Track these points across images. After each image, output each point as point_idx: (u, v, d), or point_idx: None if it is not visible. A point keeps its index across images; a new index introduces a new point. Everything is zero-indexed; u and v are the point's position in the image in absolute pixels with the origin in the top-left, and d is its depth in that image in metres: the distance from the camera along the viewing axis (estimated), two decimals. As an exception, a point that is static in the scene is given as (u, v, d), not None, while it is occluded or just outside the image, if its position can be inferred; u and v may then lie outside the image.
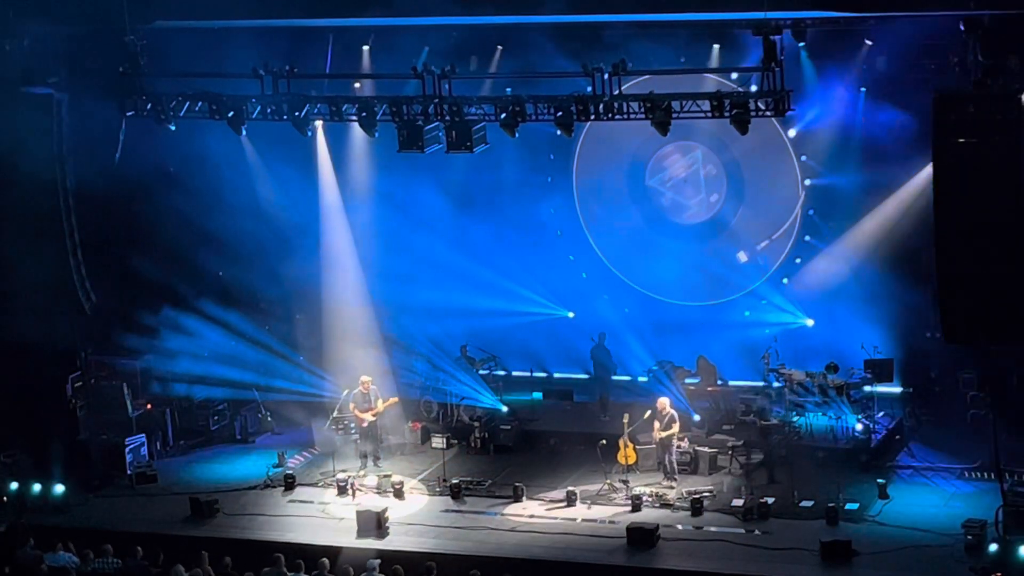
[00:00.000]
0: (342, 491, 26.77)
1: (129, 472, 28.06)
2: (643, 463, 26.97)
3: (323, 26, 28.38)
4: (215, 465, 28.94)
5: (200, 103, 25.71)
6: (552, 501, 26.03)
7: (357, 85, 28.48)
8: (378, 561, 23.10)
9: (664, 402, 26.90)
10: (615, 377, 30.13)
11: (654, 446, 26.95)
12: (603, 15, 27.10)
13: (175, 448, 29.76)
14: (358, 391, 28.07)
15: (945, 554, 23.08)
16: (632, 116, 24.26)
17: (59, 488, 27.00)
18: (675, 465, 26.62)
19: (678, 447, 26.75)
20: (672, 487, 26.24)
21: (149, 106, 25.88)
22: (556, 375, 31.71)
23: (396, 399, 28.55)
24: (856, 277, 29.05)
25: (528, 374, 31.42)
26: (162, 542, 24.60)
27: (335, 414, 28.46)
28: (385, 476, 27.13)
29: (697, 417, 28.13)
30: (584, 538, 24.63)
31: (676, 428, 26.72)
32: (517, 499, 26.14)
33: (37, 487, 27.02)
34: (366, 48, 29.10)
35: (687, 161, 30.19)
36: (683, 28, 27.50)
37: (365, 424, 27.97)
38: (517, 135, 24.85)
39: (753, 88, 24.56)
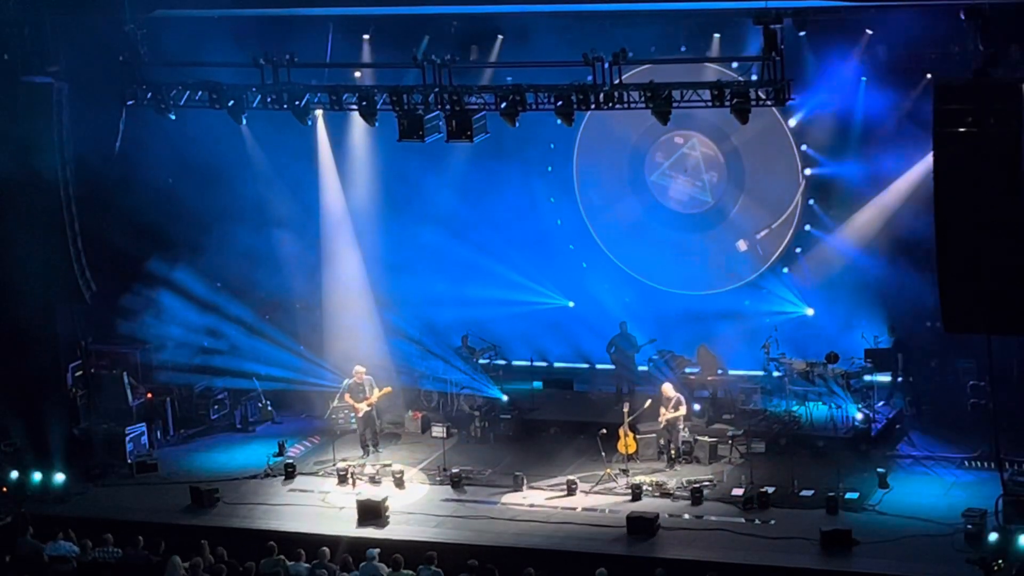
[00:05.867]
0: (342, 480, 26.79)
1: (129, 461, 28.08)
2: (643, 452, 26.99)
3: (323, 15, 28.34)
4: (215, 454, 28.95)
5: (200, 92, 25.71)
6: (552, 489, 26.06)
7: (357, 75, 28.46)
8: (378, 550, 23.13)
9: (667, 388, 27.00)
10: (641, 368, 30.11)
11: (654, 435, 26.99)
12: (605, 4, 27.09)
13: (175, 437, 29.78)
14: (353, 381, 28.11)
15: (945, 543, 23.09)
16: (632, 105, 24.25)
17: (59, 477, 27.01)
18: (680, 448, 26.65)
19: (681, 433, 26.84)
20: (676, 470, 26.29)
21: (149, 95, 25.87)
22: (556, 364, 31.72)
23: (390, 388, 28.53)
24: (856, 266, 29.06)
25: (528, 363, 31.41)
26: (162, 531, 24.61)
27: (335, 403, 28.50)
28: (385, 465, 27.16)
29: (697, 407, 28.16)
30: (584, 527, 24.66)
31: (683, 410, 26.80)
32: (517, 488, 26.16)
33: (37, 476, 27.03)
34: (366, 37, 29.09)
35: (697, 155, 30.13)
36: (684, 17, 27.58)
37: (361, 414, 28.01)
38: (517, 124, 24.84)
39: (754, 77, 24.53)
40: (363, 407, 27.99)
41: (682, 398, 27.00)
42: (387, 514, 25.31)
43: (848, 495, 24.95)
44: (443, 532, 24.72)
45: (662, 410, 26.83)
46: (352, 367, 28.47)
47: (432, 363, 29.98)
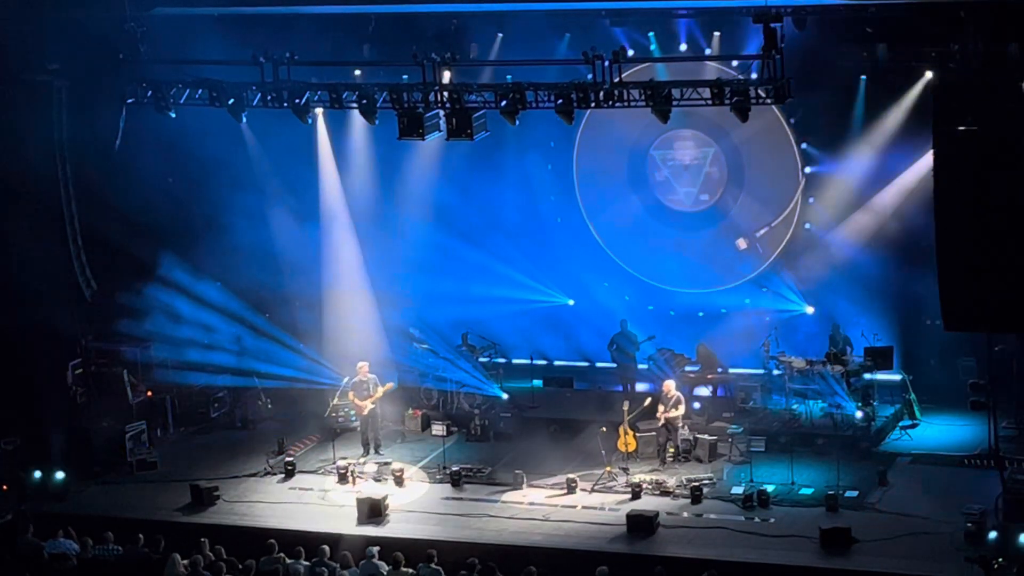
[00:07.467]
0: (342, 478, 26.79)
1: (129, 459, 28.06)
2: (643, 450, 27.00)
3: (323, 13, 28.34)
4: (215, 452, 28.94)
5: (200, 90, 25.70)
6: (552, 488, 26.07)
7: (357, 72, 28.46)
8: (378, 548, 23.13)
9: (669, 385, 27.02)
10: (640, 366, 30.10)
11: (654, 432, 26.99)
12: (606, 2, 27.12)
13: (175, 435, 29.78)
14: (357, 378, 28.09)
15: (945, 541, 23.08)
16: (633, 103, 24.25)
17: (59, 475, 27.01)
18: (680, 446, 26.66)
19: (680, 432, 26.87)
20: (675, 469, 26.31)
21: (149, 93, 25.86)
22: (556, 363, 31.72)
23: (391, 384, 28.53)
24: (856, 264, 29.06)
25: (528, 361, 31.43)
26: (162, 529, 24.62)
27: (335, 401, 28.49)
28: (385, 463, 27.16)
29: (697, 405, 28.17)
30: (584, 525, 24.67)
31: (682, 409, 26.81)
32: (517, 486, 26.16)
33: (37, 474, 27.03)
34: (366, 35, 29.07)
35: (697, 153, 30.18)
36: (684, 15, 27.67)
37: (365, 412, 28.00)
38: (517, 122, 24.84)
39: (753, 75, 24.54)
40: (367, 405, 27.96)
41: (682, 397, 27.02)
42: (387, 512, 25.32)
43: (848, 493, 24.96)
44: (443, 530, 24.72)
45: (660, 408, 26.85)
46: (352, 365, 28.46)
47: (432, 361, 29.95)
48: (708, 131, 29.84)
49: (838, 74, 27.48)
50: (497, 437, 28.65)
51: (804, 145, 29.32)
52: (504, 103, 24.55)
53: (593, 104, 24.37)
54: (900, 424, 27.86)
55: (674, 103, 24.06)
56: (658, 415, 26.88)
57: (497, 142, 27.87)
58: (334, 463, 27.31)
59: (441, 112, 24.87)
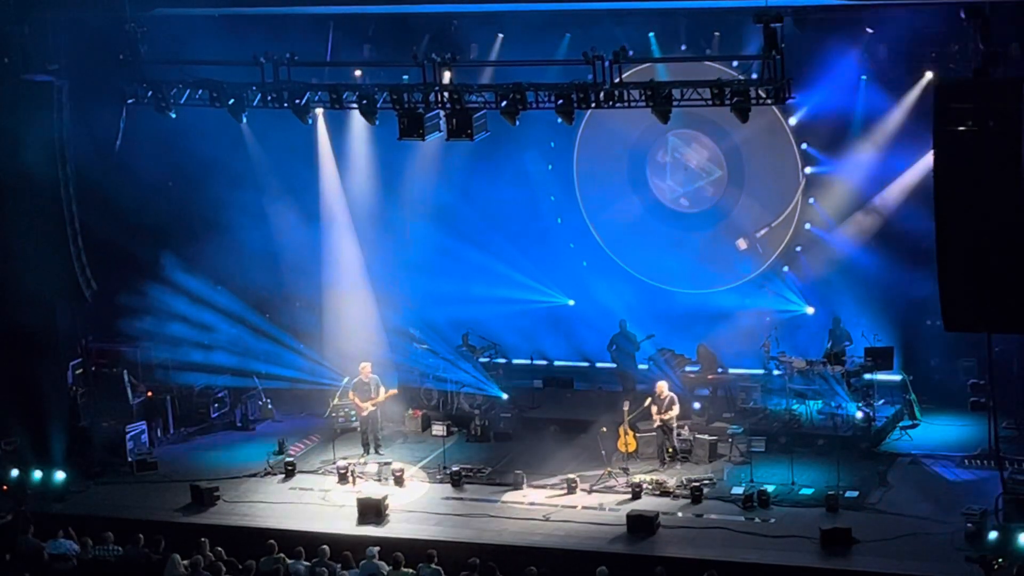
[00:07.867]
0: (342, 478, 26.79)
1: (129, 459, 28.06)
2: (643, 451, 27.00)
3: (323, 13, 28.34)
4: (215, 452, 28.95)
5: (200, 90, 25.69)
6: (552, 488, 26.06)
7: (358, 73, 28.45)
8: (378, 548, 23.14)
9: (662, 386, 26.99)
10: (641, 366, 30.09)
11: (654, 433, 26.98)
12: (607, 2, 27.11)
13: (175, 435, 29.77)
14: (358, 379, 28.08)
15: (945, 542, 23.09)
16: (633, 104, 24.24)
17: (60, 475, 27.00)
18: (677, 447, 26.65)
19: (678, 434, 26.84)
20: (675, 468, 26.29)
21: (149, 94, 25.85)
22: (556, 363, 31.71)
23: (395, 391, 28.52)
24: (856, 265, 29.06)
25: (528, 362, 31.42)
26: (162, 529, 24.62)
27: (335, 401, 28.48)
28: (385, 464, 27.16)
29: (697, 405, 28.17)
30: (584, 525, 24.66)
31: (676, 410, 26.78)
32: (517, 487, 26.16)
33: (38, 474, 27.02)
34: (366, 35, 29.07)
35: (704, 164, 30.14)
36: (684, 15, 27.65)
37: (365, 413, 27.99)
38: (518, 122, 24.83)
39: (754, 76, 24.55)
40: (368, 407, 27.95)
41: (675, 397, 26.95)
42: (387, 512, 25.32)
43: (848, 493, 24.96)
44: (443, 530, 24.72)
45: (654, 409, 26.81)
46: (352, 365, 28.46)
47: (432, 361, 29.95)
48: (709, 132, 29.77)
49: (838, 74, 27.46)
50: (497, 437, 28.66)
51: (804, 145, 29.31)
52: (504, 103, 24.54)
53: (593, 104, 24.36)
54: (900, 424, 27.87)
55: (674, 103, 24.06)
56: (653, 417, 26.87)
57: (497, 142, 27.85)
58: (334, 463, 27.32)
59: (441, 112, 24.86)
